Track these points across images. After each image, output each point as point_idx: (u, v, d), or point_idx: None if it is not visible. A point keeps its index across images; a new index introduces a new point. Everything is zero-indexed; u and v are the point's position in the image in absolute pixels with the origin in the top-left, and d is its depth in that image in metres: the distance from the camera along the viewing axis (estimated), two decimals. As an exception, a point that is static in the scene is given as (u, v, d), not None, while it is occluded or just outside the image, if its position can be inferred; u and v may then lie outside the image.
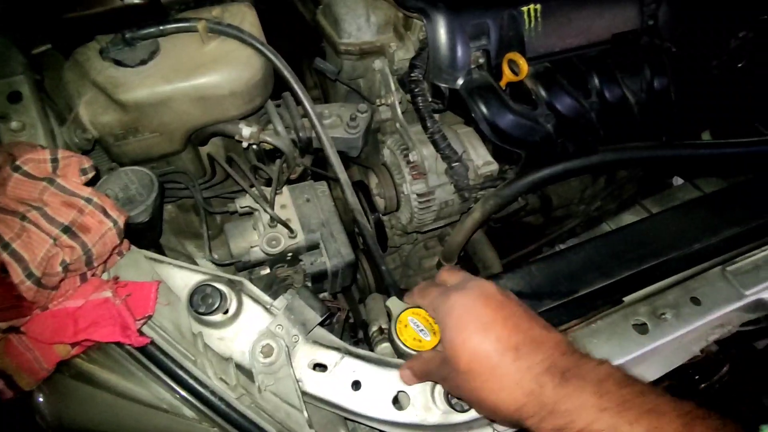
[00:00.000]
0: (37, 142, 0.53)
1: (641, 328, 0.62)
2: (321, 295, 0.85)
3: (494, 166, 0.86)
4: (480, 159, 0.85)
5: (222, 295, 0.52)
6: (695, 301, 0.65)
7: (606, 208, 1.22)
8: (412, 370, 0.52)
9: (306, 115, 0.71)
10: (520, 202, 0.99)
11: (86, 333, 0.40)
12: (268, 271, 0.80)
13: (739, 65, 1.01)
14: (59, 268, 0.37)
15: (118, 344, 0.44)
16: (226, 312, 0.53)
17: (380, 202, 0.93)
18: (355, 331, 0.94)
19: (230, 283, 0.55)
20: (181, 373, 0.47)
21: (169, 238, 0.84)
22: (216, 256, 0.79)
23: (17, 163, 0.38)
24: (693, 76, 0.98)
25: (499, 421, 0.49)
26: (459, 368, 0.44)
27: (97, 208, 0.39)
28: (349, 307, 1.07)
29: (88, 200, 0.39)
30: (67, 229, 0.37)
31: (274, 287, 0.81)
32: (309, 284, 0.79)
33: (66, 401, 0.46)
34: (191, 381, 0.47)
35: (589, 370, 0.40)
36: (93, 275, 0.43)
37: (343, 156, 0.95)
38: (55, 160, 0.40)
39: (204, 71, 0.62)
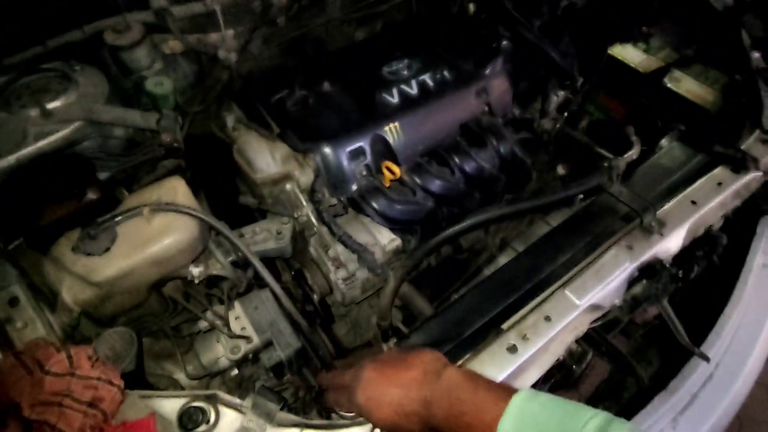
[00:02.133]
0: (38, 334, 0.71)
1: (512, 349, 0.85)
2: (286, 377, 1.04)
3: (398, 242, 1.10)
4: (385, 239, 1.09)
5: (203, 411, 0.71)
6: (547, 318, 0.89)
7: (512, 234, 1.49)
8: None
9: (240, 250, 0.92)
10: (426, 262, 1.24)
11: (112, 469, 0.58)
12: (236, 372, 0.98)
13: (565, 115, 1.34)
14: (89, 431, 0.55)
15: (135, 469, 0.62)
16: (208, 422, 0.72)
17: (317, 289, 1.14)
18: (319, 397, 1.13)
19: (207, 399, 0.74)
20: (184, 477, 0.65)
21: (149, 364, 1.01)
22: (190, 369, 0.97)
23: (46, 367, 0.57)
24: (531, 135, 1.29)
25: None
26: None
27: (106, 382, 0.58)
28: (313, 375, 1.26)
29: (99, 378, 0.58)
30: (90, 404, 0.55)
31: (243, 384, 0.99)
32: (271, 375, 0.98)
33: None
34: (193, 481, 0.66)
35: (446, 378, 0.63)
36: (107, 427, 0.62)
37: (282, 258, 1.17)
38: (69, 356, 0.59)
39: (155, 242, 0.82)
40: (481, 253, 1.52)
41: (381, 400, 0.66)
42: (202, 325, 0.95)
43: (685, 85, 1.26)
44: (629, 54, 1.36)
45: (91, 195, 0.84)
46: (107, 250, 0.79)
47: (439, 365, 0.66)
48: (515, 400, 0.56)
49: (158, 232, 0.83)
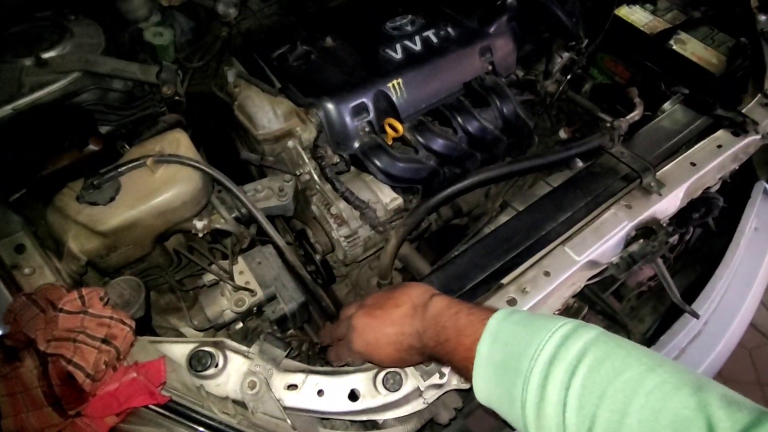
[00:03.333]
0: (47, 280, 0.72)
1: (512, 302, 0.87)
2: (289, 332, 1.06)
3: (399, 201, 1.11)
4: (387, 197, 1.10)
5: (211, 355, 0.73)
6: (546, 273, 0.91)
7: (512, 198, 1.50)
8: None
9: (244, 204, 0.93)
10: (428, 221, 1.25)
11: (126, 403, 0.60)
12: (241, 325, 1.00)
13: (568, 77, 1.33)
14: (103, 366, 0.56)
15: (147, 406, 0.65)
16: (216, 365, 0.74)
17: (318, 248, 1.16)
18: (322, 351, 1.16)
19: (215, 345, 0.76)
20: (195, 415, 0.68)
21: (155, 318, 1.03)
22: (196, 323, 0.99)
23: (59, 305, 0.58)
24: (534, 97, 1.28)
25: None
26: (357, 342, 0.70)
27: (118, 321, 0.59)
28: (315, 332, 1.29)
29: (111, 317, 0.59)
30: (104, 341, 0.57)
31: (248, 336, 1.01)
32: (275, 328, 1.00)
33: (117, 456, 0.66)
34: (203, 419, 0.68)
35: (432, 307, 0.65)
36: (120, 365, 0.63)
37: (284, 216, 1.17)
38: (81, 297, 0.60)
39: (159, 193, 0.82)
40: (481, 218, 1.53)
41: (379, 341, 0.68)
42: (207, 279, 0.97)
43: (691, 47, 1.25)
44: (636, 15, 1.34)
45: (93, 146, 0.84)
46: (112, 199, 0.79)
47: (425, 297, 0.68)
48: (491, 322, 0.58)
49: (162, 183, 0.83)
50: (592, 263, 0.95)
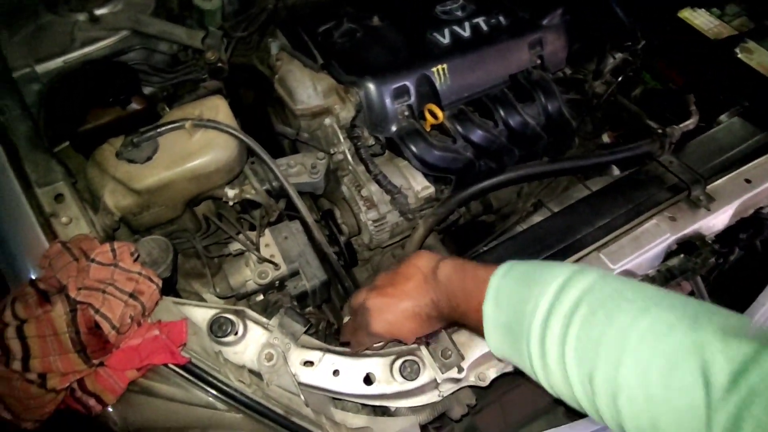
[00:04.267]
0: (82, 231, 0.73)
1: (539, 304, 0.85)
2: (307, 309, 1.06)
3: (431, 190, 1.09)
4: (419, 185, 1.08)
5: (232, 322, 0.73)
6: (578, 278, 0.88)
7: (546, 198, 1.46)
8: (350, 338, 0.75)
9: (276, 177, 0.92)
10: (457, 214, 1.22)
11: (147, 360, 0.61)
12: (261, 297, 1.00)
13: (619, 79, 1.27)
14: (129, 320, 0.57)
15: (166, 365, 0.65)
16: (236, 334, 0.74)
17: (345, 229, 1.15)
18: (338, 332, 1.16)
19: (236, 313, 0.76)
20: (212, 379, 0.68)
21: (179, 281, 1.04)
22: (218, 290, 0.99)
23: (91, 256, 0.59)
24: (581, 97, 1.23)
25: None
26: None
27: (146, 278, 0.60)
28: (332, 313, 1.29)
29: (140, 273, 0.59)
30: (131, 295, 0.57)
31: (268, 309, 1.01)
32: (295, 303, 1.00)
33: (133, 409, 0.67)
34: (220, 384, 0.68)
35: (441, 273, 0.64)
36: (144, 321, 0.64)
37: (313, 194, 1.17)
38: (113, 250, 0.60)
39: (194, 157, 0.83)
40: (510, 216, 1.50)
41: (399, 318, 0.67)
42: (233, 248, 0.97)
43: (758, 57, 1.17)
44: (700, 19, 1.27)
45: (135, 105, 0.84)
46: (149, 159, 0.80)
47: (432, 263, 0.66)
48: (492, 280, 0.56)
49: (199, 148, 0.83)
50: (628, 273, 0.91)
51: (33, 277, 0.66)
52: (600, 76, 1.25)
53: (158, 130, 0.81)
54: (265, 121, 1.26)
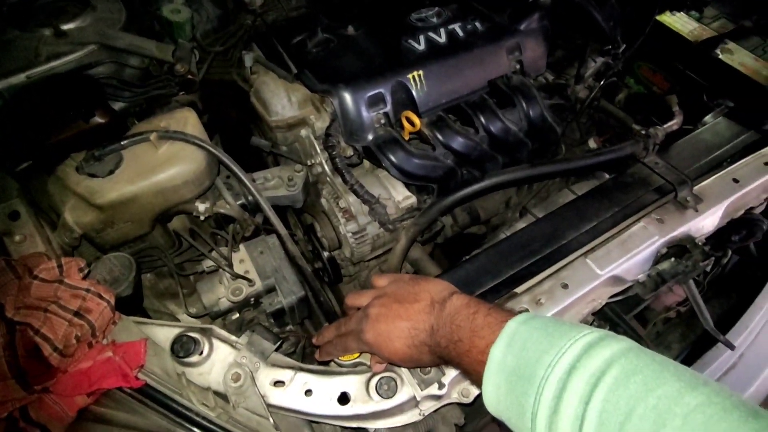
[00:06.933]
0: (37, 249, 0.70)
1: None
2: (288, 327, 1.02)
3: (413, 200, 1.06)
4: (400, 195, 1.05)
5: (196, 341, 0.69)
6: (564, 285, 0.83)
7: (530, 206, 1.43)
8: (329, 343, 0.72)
9: (248, 189, 0.89)
10: (440, 224, 1.19)
11: (97, 384, 0.56)
12: (237, 315, 0.96)
13: (602, 83, 1.25)
14: (74, 341, 0.53)
15: (121, 389, 0.61)
16: (201, 353, 0.69)
17: (325, 243, 1.11)
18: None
19: (202, 331, 0.72)
20: (171, 404, 0.63)
21: (152, 302, 1.00)
22: (193, 310, 0.95)
23: (34, 273, 0.55)
24: (564, 102, 1.21)
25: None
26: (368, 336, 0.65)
27: (95, 295, 0.56)
28: (316, 330, 1.24)
29: (88, 290, 0.56)
30: (76, 314, 0.53)
31: (243, 328, 0.97)
32: (272, 321, 0.95)
33: (87, 440, 0.62)
34: (180, 408, 0.64)
35: (450, 305, 0.60)
36: (96, 342, 0.60)
37: (296, 210, 1.14)
38: (60, 266, 0.57)
39: (160, 170, 0.80)
40: (499, 228, 1.46)
41: (391, 334, 0.63)
42: (206, 265, 0.93)
43: (739, 57, 1.16)
44: (680, 22, 1.26)
45: (99, 118, 0.82)
46: (111, 173, 0.77)
47: (445, 294, 0.63)
48: (510, 325, 0.52)
49: (165, 160, 0.80)
50: (616, 279, 0.87)
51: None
52: (582, 81, 1.24)
53: (121, 142, 0.79)
54: (248, 136, 1.24)
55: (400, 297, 0.66)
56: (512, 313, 0.55)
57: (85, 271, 0.60)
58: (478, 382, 0.54)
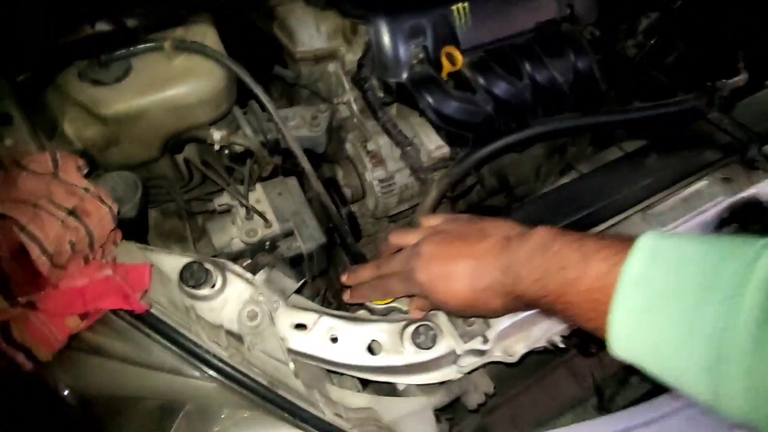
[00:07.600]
0: (30, 156, 0.60)
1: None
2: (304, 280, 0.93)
3: (446, 149, 0.96)
4: (432, 144, 0.95)
5: (208, 272, 0.60)
6: (620, 241, 0.75)
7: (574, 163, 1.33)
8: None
9: (270, 118, 0.80)
10: (473, 179, 1.09)
11: (93, 304, 0.47)
12: (250, 261, 0.87)
13: (651, 42, 1.15)
14: (67, 247, 0.44)
15: (121, 314, 0.52)
16: (213, 286, 0.60)
17: (348, 192, 1.02)
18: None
19: (214, 263, 0.63)
20: (179, 338, 0.54)
21: (155, 243, 0.91)
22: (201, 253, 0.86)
23: (23, 163, 0.46)
24: (612, 56, 1.11)
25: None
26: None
27: (95, 196, 0.47)
28: (330, 291, 1.15)
29: (86, 189, 0.47)
30: (71, 213, 0.44)
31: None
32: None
33: (80, 372, 0.53)
34: (189, 344, 0.55)
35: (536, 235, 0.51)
36: (93, 259, 0.51)
37: (312, 154, 1.04)
38: (55, 160, 0.48)
39: (174, 84, 0.70)
40: (524, 200, 1.37)
41: (451, 274, 0.54)
42: (218, 203, 0.84)
43: (810, 15, 1.05)
44: (743, -23, 1.15)
45: (106, 24, 0.72)
46: (118, 80, 0.67)
47: (519, 228, 0.54)
48: (643, 240, 0.42)
49: (180, 74, 0.71)
50: (678, 239, 0.78)
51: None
52: (632, 35, 1.14)
53: (131, 48, 0.69)
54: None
55: (462, 234, 0.56)
56: (630, 237, 0.44)
57: (84, 171, 0.50)
58: (586, 316, 0.44)
